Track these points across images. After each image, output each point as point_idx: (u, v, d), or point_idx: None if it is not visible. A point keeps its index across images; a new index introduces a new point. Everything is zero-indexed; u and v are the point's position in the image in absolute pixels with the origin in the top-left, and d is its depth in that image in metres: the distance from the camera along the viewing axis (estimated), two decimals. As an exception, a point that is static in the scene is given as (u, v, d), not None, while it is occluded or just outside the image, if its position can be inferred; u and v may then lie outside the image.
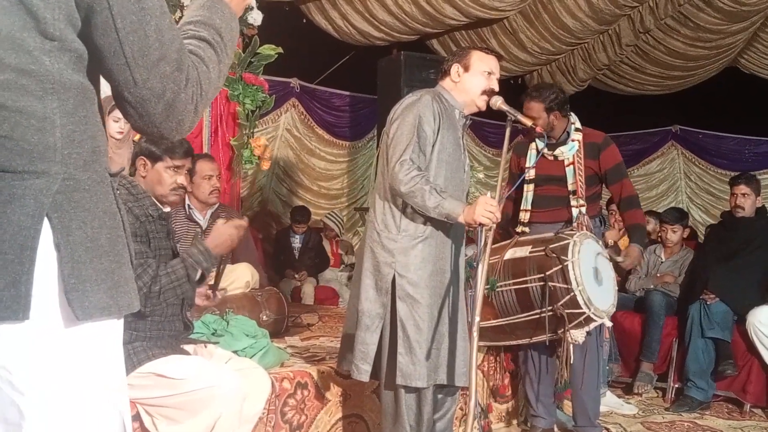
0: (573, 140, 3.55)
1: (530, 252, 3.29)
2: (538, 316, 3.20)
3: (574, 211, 3.47)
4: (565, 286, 3.12)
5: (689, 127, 9.34)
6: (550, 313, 3.15)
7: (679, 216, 5.28)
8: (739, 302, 4.37)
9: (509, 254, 3.34)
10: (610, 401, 4.23)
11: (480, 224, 2.50)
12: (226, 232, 2.50)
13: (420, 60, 6.59)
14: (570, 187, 3.50)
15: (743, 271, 4.45)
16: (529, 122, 2.74)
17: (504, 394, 3.90)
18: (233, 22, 1.29)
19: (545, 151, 3.55)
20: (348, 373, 2.80)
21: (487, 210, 2.48)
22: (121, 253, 1.16)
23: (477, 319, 2.39)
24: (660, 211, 6.36)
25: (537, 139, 3.58)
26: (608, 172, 3.58)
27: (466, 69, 2.78)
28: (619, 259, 3.65)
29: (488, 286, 3.23)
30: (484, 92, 2.77)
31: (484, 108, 2.83)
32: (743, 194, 4.52)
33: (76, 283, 1.08)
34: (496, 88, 2.80)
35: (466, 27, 7.29)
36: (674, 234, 5.13)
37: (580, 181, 3.50)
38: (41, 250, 1.06)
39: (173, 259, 2.41)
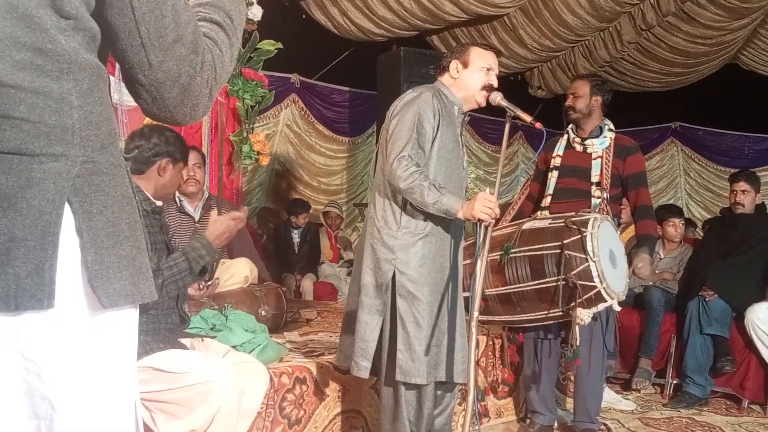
0: (605, 136, 3.60)
1: (549, 224, 3.32)
2: (548, 284, 3.19)
3: (594, 201, 3.48)
4: (582, 255, 3.12)
5: (689, 124, 9.32)
6: (563, 282, 3.14)
7: (676, 212, 5.29)
8: (737, 299, 4.38)
9: (528, 225, 3.38)
10: (608, 397, 4.23)
11: (479, 220, 2.50)
12: (225, 223, 2.51)
13: (419, 56, 6.59)
14: (594, 179, 3.52)
15: (742, 268, 4.46)
16: (528, 118, 2.73)
17: (506, 384, 3.90)
18: (241, 5, 1.26)
19: (576, 140, 3.63)
20: (347, 369, 2.80)
21: (486, 206, 2.48)
22: (140, 239, 1.13)
23: (476, 314, 2.39)
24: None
25: (569, 130, 3.70)
26: (630, 177, 3.59)
27: (465, 65, 2.78)
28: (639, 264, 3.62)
29: (502, 252, 3.24)
30: (483, 88, 2.77)
31: (484, 104, 2.83)
32: (743, 191, 4.52)
33: (99, 270, 1.04)
34: (495, 84, 2.80)
35: (466, 23, 7.27)
36: (673, 229, 5.13)
37: (606, 174, 3.53)
38: (62, 235, 1.02)
39: (167, 253, 2.41)
